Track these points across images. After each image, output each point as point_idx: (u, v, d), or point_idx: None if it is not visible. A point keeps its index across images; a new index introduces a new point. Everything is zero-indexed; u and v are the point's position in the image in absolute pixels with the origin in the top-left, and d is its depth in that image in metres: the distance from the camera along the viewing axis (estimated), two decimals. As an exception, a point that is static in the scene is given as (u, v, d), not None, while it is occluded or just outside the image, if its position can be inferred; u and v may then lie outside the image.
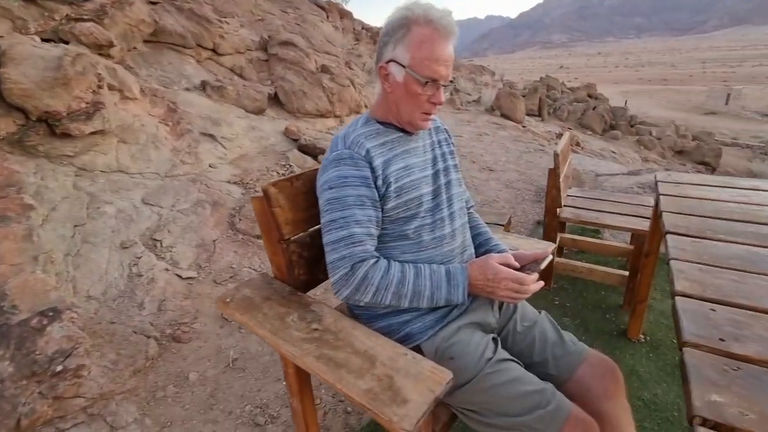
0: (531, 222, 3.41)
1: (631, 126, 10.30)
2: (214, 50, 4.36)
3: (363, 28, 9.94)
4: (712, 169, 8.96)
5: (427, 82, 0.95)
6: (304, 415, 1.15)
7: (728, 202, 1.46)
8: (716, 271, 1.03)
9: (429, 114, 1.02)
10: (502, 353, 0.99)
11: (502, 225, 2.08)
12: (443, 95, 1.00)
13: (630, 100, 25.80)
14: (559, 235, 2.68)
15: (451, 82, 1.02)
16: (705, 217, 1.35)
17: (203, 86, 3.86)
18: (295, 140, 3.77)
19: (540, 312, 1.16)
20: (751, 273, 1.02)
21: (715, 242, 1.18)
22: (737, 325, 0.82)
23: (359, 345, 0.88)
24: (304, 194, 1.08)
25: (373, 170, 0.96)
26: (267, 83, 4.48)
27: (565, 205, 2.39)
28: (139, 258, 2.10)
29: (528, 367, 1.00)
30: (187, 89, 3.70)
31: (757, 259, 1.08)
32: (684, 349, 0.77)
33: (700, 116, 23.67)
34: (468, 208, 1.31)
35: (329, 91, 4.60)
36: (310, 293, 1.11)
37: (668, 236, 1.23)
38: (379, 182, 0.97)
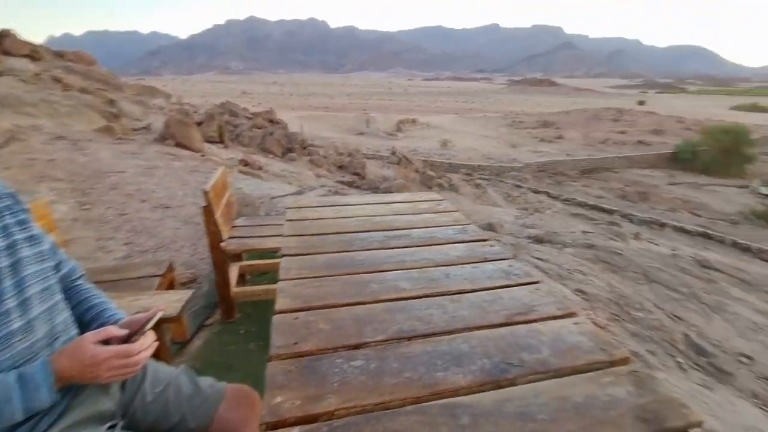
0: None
1: (304, 148, 12.24)
2: None
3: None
4: (362, 177, 11.96)
5: None
6: None
7: (329, 218, 1.96)
8: (308, 281, 1.34)
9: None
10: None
11: (160, 275, 1.94)
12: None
13: (305, 124, 30.40)
14: (238, 264, 2.79)
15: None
16: (312, 235, 1.74)
17: None
18: None
19: (178, 367, 1.15)
20: (330, 276, 1.39)
21: (313, 255, 1.54)
22: (308, 326, 1.09)
23: None
24: None
25: None
26: None
27: (230, 237, 2.51)
28: None
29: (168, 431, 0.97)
30: None
31: (336, 263, 1.49)
32: (268, 363, 0.95)
33: (355, 136, 30.88)
34: (74, 280, 1.11)
35: None
36: None
37: (282, 258, 1.49)
38: None
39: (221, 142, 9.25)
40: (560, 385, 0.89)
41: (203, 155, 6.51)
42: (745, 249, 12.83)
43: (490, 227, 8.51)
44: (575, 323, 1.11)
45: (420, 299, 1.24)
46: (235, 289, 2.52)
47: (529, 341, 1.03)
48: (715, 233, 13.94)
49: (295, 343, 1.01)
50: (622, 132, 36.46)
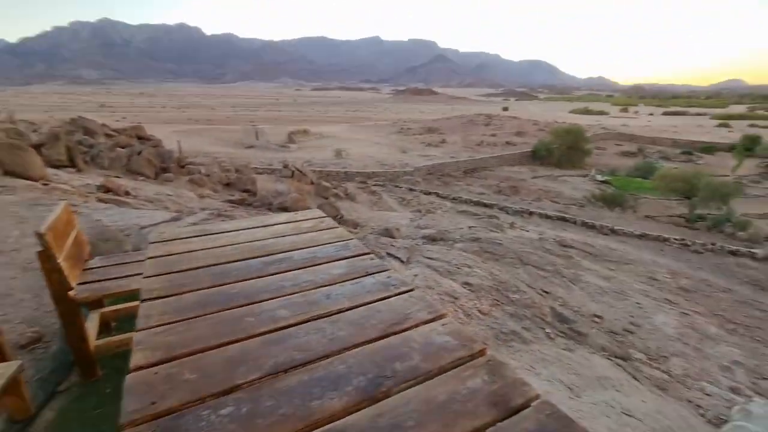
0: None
1: (182, 166, 11.12)
2: None
3: None
4: (253, 194, 11.33)
5: None
6: None
7: (200, 250, 1.80)
8: (172, 327, 1.21)
9: None
10: None
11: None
12: None
13: (184, 140, 27.67)
14: (98, 312, 2.40)
15: None
16: (179, 271, 1.58)
17: None
18: None
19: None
20: (200, 317, 1.27)
21: (179, 296, 1.39)
22: (170, 379, 0.98)
23: None
24: None
25: None
26: None
27: (81, 283, 2.13)
28: None
29: None
30: None
31: (207, 300, 1.37)
32: (117, 435, 0.82)
33: (244, 150, 29.16)
34: None
35: None
36: None
37: (141, 305, 1.32)
38: None
39: (73, 166, 7.83)
40: (428, 388, 0.96)
41: (47, 184, 5.42)
42: (591, 227, 15.62)
43: (387, 233, 8.84)
44: (443, 324, 1.21)
45: (299, 326, 1.21)
46: (96, 342, 2.15)
47: (402, 350, 1.09)
48: (569, 216, 16.71)
49: (153, 403, 0.90)
50: (493, 135, 41.41)
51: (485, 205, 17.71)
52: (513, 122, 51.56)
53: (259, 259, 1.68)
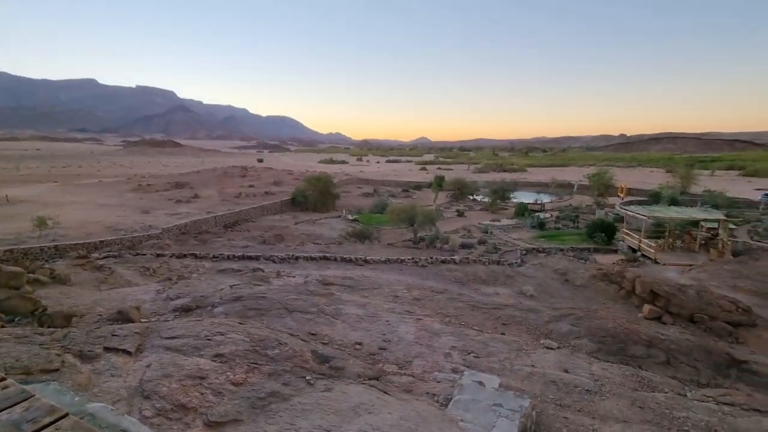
0: None
1: None
2: None
3: None
4: None
5: None
6: None
7: None
8: None
9: None
10: None
11: None
12: None
13: None
14: None
15: None
16: None
17: None
18: None
19: None
20: None
21: None
22: None
23: None
24: None
25: None
26: None
27: None
28: None
29: None
30: None
31: None
32: None
33: None
34: None
35: None
36: None
37: None
38: None
39: None
40: None
41: None
42: (349, 261, 17.57)
43: (122, 315, 7.08)
44: None
45: None
46: None
47: None
48: (330, 254, 18.27)
49: None
50: (251, 185, 41.31)
51: (250, 258, 17.09)
52: (269, 173, 53.23)
53: None
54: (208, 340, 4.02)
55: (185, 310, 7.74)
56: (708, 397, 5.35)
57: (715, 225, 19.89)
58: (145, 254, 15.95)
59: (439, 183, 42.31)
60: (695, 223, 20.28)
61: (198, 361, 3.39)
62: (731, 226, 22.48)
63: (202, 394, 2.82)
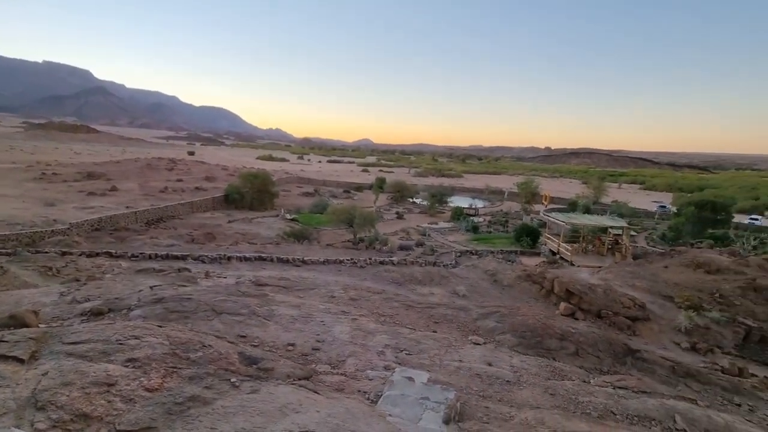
0: None
1: None
2: None
3: None
4: None
5: None
6: None
7: None
8: None
9: None
10: None
11: None
12: None
13: None
14: None
15: None
16: None
17: None
18: None
19: None
20: None
21: None
22: None
23: None
24: None
25: None
26: None
27: None
28: None
29: None
30: None
31: None
32: None
33: None
34: None
35: None
36: None
37: None
38: None
39: None
40: None
41: None
42: (286, 261, 17.07)
43: (14, 320, 6.19)
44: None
45: None
46: None
47: None
48: (266, 254, 17.59)
49: None
50: (180, 180, 38.39)
51: (176, 258, 15.87)
52: (201, 167, 49.85)
53: None
54: (120, 344, 3.66)
55: (95, 314, 6.99)
56: (607, 382, 6.05)
57: (620, 232, 22.46)
58: (47, 252, 14.11)
59: (380, 185, 42.80)
60: (604, 230, 22.76)
61: (107, 366, 3.07)
62: (632, 233, 25.61)
63: (109, 402, 2.56)
